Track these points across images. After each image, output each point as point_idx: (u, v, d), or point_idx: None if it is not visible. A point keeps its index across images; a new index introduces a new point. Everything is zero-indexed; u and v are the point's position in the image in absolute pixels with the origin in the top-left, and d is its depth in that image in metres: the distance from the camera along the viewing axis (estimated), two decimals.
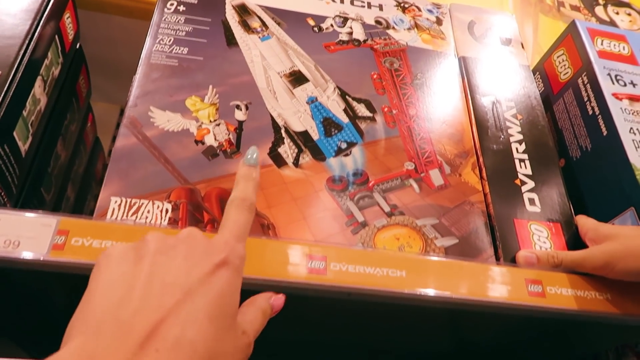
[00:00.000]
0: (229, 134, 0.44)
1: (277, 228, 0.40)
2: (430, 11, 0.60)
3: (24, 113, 0.45)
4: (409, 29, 0.58)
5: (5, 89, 0.41)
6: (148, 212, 0.38)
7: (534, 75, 0.61)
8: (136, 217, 0.38)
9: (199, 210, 0.39)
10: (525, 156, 0.49)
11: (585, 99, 0.55)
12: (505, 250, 0.43)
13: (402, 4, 0.60)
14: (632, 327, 0.43)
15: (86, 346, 0.20)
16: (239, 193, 0.29)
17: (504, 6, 0.79)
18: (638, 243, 0.40)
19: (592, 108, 0.54)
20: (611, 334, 0.49)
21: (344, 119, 0.48)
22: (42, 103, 0.48)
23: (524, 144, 0.50)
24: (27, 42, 0.45)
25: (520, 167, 0.48)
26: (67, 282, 0.34)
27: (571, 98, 0.58)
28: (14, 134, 0.43)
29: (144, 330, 0.21)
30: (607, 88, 0.54)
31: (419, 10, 0.60)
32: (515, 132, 0.51)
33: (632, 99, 0.54)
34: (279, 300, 0.29)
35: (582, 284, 0.41)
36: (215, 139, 0.44)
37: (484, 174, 0.47)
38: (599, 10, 0.84)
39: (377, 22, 0.57)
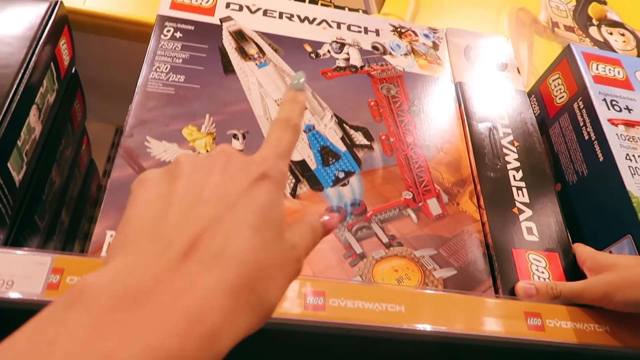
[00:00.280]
0: None
1: None
2: (426, 36, 0.61)
3: (19, 143, 0.44)
4: (405, 54, 0.58)
5: None
6: None
7: (529, 97, 0.62)
8: None
9: None
10: (523, 184, 0.49)
11: (581, 123, 0.56)
12: (504, 281, 0.43)
13: (398, 29, 0.60)
14: (631, 359, 0.43)
15: (126, 261, 0.19)
16: (282, 114, 0.27)
17: (499, 27, 0.80)
18: (637, 273, 0.40)
19: (588, 133, 0.54)
20: None
21: (341, 147, 0.48)
22: (36, 131, 0.48)
23: (521, 171, 0.50)
24: (22, 70, 0.44)
25: (518, 195, 0.48)
26: None
27: (567, 122, 0.58)
28: (8, 164, 0.43)
29: (185, 242, 0.20)
30: (603, 114, 0.54)
31: (416, 35, 0.60)
32: (512, 159, 0.51)
33: (628, 124, 0.54)
34: (332, 218, 0.26)
35: (580, 316, 0.41)
36: None
37: (482, 203, 0.47)
38: (593, 30, 0.85)
39: (374, 47, 0.57)
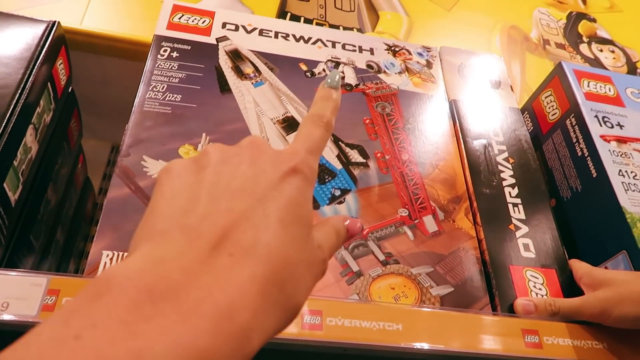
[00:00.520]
0: None
1: None
2: (420, 54, 0.61)
3: (15, 163, 0.44)
4: (400, 72, 0.58)
5: None
6: None
7: (522, 114, 0.62)
8: None
9: None
10: (519, 200, 0.50)
11: (574, 140, 0.56)
12: (502, 298, 0.43)
13: (392, 48, 0.61)
14: None
15: (154, 252, 0.18)
16: (315, 110, 0.26)
17: (492, 45, 0.81)
18: (632, 289, 0.40)
19: (581, 149, 0.55)
20: None
21: (337, 165, 0.48)
22: (33, 151, 0.48)
23: (516, 187, 0.51)
24: (19, 91, 0.45)
25: (514, 211, 0.49)
26: None
27: (560, 139, 0.59)
28: (4, 184, 0.42)
29: (214, 234, 0.19)
30: (595, 130, 0.55)
31: (410, 53, 0.61)
32: (507, 176, 0.51)
33: (620, 140, 0.55)
34: (354, 224, 0.26)
35: (578, 332, 0.41)
36: None
37: (478, 219, 0.48)
38: (584, 47, 0.87)
39: (369, 66, 0.58)
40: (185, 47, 0.54)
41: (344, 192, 0.47)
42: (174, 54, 0.52)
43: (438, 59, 0.62)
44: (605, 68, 0.83)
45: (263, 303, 0.18)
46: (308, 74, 0.55)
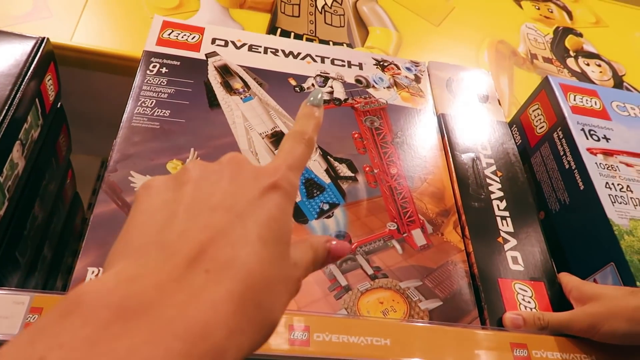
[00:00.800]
0: None
1: None
2: (408, 69, 0.62)
3: (1, 179, 0.44)
4: (388, 87, 0.59)
5: None
6: None
7: (510, 127, 0.63)
8: None
9: None
10: (507, 213, 0.50)
11: (562, 153, 0.57)
12: (490, 311, 0.43)
13: (381, 63, 0.61)
14: None
15: (128, 269, 0.18)
16: (297, 127, 0.26)
17: (480, 59, 0.82)
18: (622, 305, 0.40)
19: (569, 162, 0.56)
20: None
21: (325, 179, 0.48)
22: (19, 167, 0.48)
23: (504, 200, 0.51)
24: (6, 107, 0.45)
25: (502, 224, 0.49)
26: None
27: (548, 152, 0.59)
28: None
29: (191, 250, 0.18)
30: (582, 143, 0.55)
31: (398, 68, 0.62)
32: (495, 189, 0.52)
33: (606, 153, 0.56)
34: (341, 246, 0.25)
35: (567, 346, 0.41)
36: None
37: (467, 233, 0.48)
38: (571, 62, 0.88)
39: (358, 80, 0.59)
40: (175, 62, 0.54)
41: (333, 206, 0.47)
42: (163, 70, 0.53)
43: (426, 73, 0.63)
44: (592, 82, 0.84)
45: (239, 321, 0.18)
46: (297, 88, 0.56)
